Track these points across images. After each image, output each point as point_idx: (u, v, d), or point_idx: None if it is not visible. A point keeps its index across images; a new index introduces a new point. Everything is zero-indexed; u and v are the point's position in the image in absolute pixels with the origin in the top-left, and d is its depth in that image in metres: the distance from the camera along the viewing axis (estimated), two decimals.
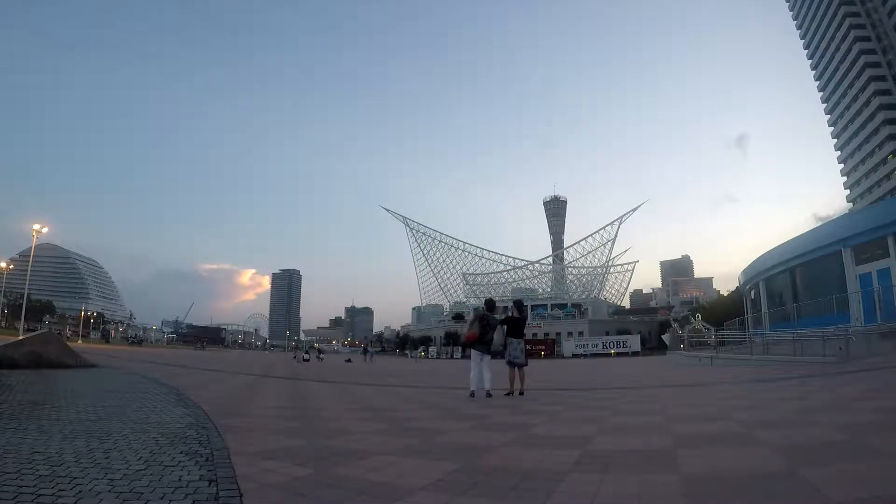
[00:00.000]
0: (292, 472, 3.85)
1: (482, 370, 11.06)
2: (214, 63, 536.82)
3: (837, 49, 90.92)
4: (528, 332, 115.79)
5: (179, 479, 3.45)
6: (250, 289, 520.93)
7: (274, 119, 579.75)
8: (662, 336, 67.25)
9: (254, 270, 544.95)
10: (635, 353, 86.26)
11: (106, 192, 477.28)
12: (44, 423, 5.64)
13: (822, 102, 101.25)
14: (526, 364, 11.73)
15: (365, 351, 60.11)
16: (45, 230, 43.81)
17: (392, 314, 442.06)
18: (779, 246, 36.86)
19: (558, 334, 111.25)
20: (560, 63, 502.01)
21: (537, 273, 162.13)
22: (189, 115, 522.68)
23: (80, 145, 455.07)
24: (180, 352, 61.74)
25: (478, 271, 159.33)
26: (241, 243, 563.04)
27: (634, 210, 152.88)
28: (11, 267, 74.22)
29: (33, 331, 30.24)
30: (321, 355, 48.08)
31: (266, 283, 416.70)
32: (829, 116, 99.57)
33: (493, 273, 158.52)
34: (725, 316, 45.69)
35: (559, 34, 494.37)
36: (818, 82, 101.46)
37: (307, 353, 49.74)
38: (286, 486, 3.49)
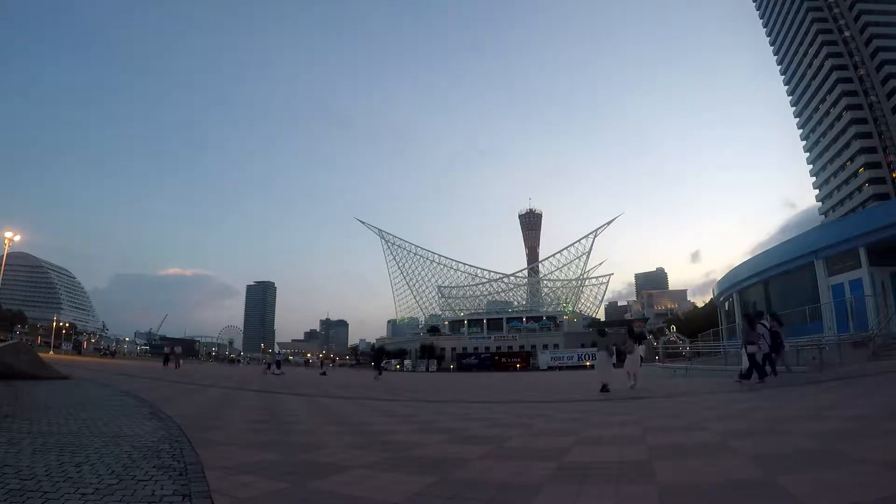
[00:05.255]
0: (267, 487, 3.81)
1: None
2: (191, 56, 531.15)
3: (810, 65, 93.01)
4: (504, 345, 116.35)
5: (153, 494, 3.40)
6: (223, 299, 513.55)
7: (248, 128, 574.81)
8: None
9: (227, 280, 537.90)
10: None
11: (63, 189, 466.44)
12: (14, 435, 5.52)
13: (795, 117, 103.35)
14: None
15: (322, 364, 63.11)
16: (17, 238, 42.69)
17: (367, 327, 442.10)
18: (752, 258, 37.38)
19: (533, 346, 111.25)
20: (539, 77, 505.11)
21: (512, 286, 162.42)
22: (159, 117, 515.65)
23: (34, 137, 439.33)
24: (154, 364, 60.71)
25: (453, 284, 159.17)
26: (214, 252, 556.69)
27: (609, 223, 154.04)
28: None
29: (3, 341, 29.65)
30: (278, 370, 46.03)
31: (240, 289, 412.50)
32: (801, 130, 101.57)
33: (469, 286, 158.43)
34: (700, 327, 46.08)
35: (539, 47, 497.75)
36: (791, 97, 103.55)
37: (273, 364, 48.47)
38: (261, 501, 3.46)
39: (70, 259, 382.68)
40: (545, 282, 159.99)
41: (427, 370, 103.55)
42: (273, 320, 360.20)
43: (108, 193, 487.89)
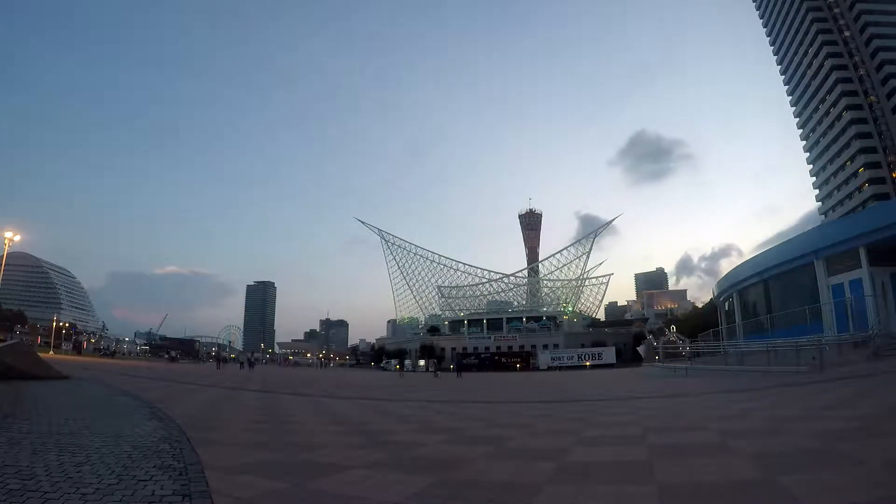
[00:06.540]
0: (267, 486, 3.80)
1: None
2: (191, 54, 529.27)
3: (810, 65, 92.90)
4: (504, 345, 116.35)
5: (153, 494, 3.40)
6: (223, 298, 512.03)
7: (247, 127, 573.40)
8: (637, 348, 67.26)
9: (227, 280, 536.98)
10: (610, 365, 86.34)
11: (61, 187, 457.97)
12: (14, 435, 5.52)
13: (795, 117, 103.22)
14: None
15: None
16: (17, 238, 42.39)
17: (367, 327, 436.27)
18: (752, 258, 37.35)
19: (533, 347, 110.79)
20: (539, 76, 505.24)
21: (512, 286, 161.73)
22: (157, 115, 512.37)
23: (32, 136, 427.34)
24: (154, 364, 60.51)
25: (453, 284, 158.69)
26: (213, 251, 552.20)
27: (609, 223, 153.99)
28: None
29: (3, 341, 29.64)
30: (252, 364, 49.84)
31: (240, 288, 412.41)
32: (801, 130, 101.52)
33: (469, 286, 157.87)
34: (700, 328, 45.92)
35: (539, 45, 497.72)
36: (791, 97, 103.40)
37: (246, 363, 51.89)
38: (261, 501, 3.45)
39: (66, 258, 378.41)
40: (545, 282, 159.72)
41: (427, 370, 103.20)
42: (273, 320, 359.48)
43: (106, 191, 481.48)
